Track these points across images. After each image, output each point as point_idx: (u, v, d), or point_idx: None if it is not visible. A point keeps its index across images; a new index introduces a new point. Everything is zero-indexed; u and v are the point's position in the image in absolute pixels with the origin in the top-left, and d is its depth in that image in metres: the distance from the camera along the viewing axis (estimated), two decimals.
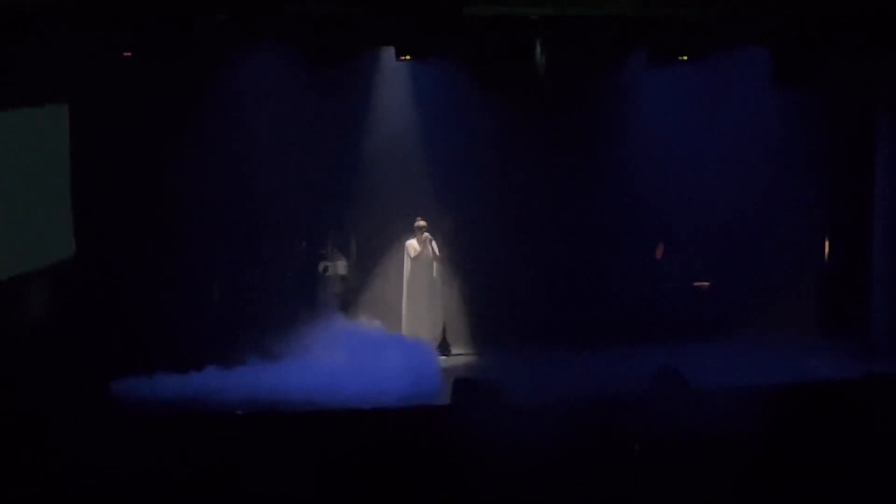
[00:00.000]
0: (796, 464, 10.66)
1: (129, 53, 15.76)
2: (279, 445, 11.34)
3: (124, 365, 15.51)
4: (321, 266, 18.32)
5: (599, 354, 17.34)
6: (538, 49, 16.65)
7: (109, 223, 16.79)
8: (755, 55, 17.74)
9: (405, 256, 18.17)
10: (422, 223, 18.04)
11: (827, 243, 19.72)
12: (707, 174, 19.10)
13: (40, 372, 14.17)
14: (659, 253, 19.45)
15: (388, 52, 17.02)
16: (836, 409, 12.07)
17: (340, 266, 18.41)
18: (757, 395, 12.75)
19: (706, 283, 19.33)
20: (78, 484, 10.38)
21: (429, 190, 18.39)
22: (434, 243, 18.05)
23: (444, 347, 18.18)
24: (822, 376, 14.95)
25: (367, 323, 17.70)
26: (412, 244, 18.09)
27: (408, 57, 16.45)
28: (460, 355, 18.23)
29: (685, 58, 17.17)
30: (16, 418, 11.45)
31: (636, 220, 19.34)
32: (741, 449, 10.69)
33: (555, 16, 16.33)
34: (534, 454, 10.46)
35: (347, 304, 18.18)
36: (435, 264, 18.17)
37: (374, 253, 18.71)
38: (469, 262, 18.73)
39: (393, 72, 18.12)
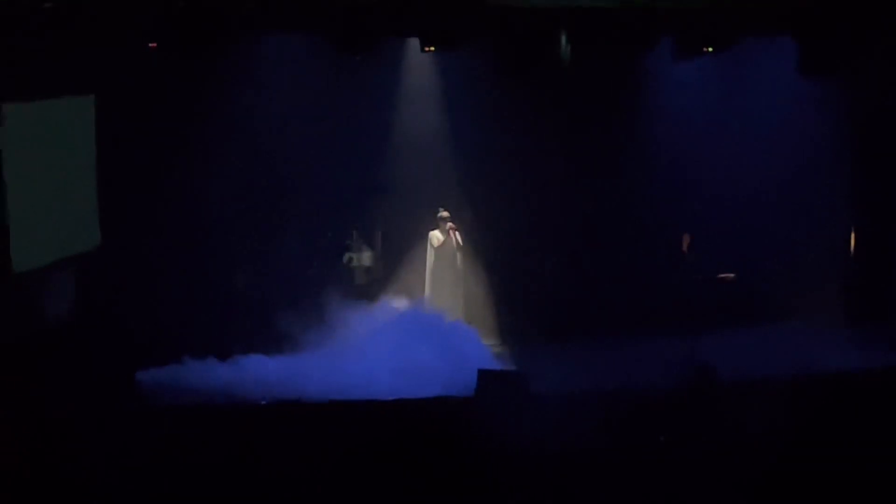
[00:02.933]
0: (824, 454, 10.66)
1: (155, 45, 15.73)
2: (302, 435, 11.44)
3: (149, 355, 15.59)
4: (346, 257, 18.37)
5: (625, 346, 17.15)
6: (563, 40, 16.60)
7: (135, 213, 16.86)
8: (781, 46, 17.73)
9: (428, 247, 18.19)
10: (445, 214, 18.07)
11: (853, 234, 19.64)
12: (733, 165, 19.11)
13: (66, 362, 14.17)
14: (685, 244, 19.37)
15: (413, 43, 17.12)
16: (864, 400, 12.06)
17: (365, 257, 18.46)
18: (784, 385, 12.78)
19: (732, 275, 19.25)
20: (104, 471, 10.63)
21: (452, 180, 18.45)
22: (457, 233, 18.04)
23: None
24: (849, 367, 14.88)
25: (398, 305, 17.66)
26: (436, 234, 18.10)
27: (432, 48, 16.55)
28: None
29: (710, 49, 17.06)
30: (42, 408, 11.77)
31: (662, 211, 19.30)
32: (768, 439, 10.70)
33: (579, 6, 16.28)
34: (558, 445, 10.75)
35: (372, 294, 18.14)
36: (458, 254, 18.16)
37: (399, 243, 18.73)
38: (492, 253, 18.68)
39: (418, 63, 18.16)
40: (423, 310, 17.40)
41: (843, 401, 12.20)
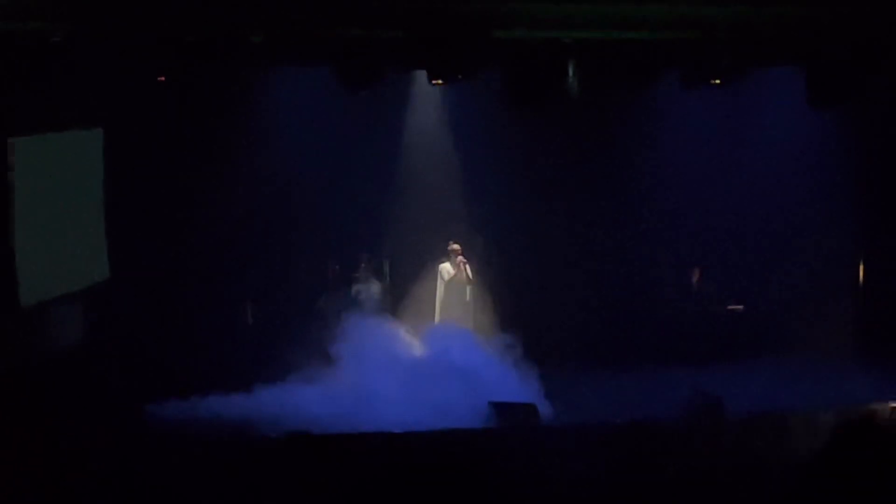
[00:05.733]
0: (834, 489, 10.54)
1: (163, 78, 15.59)
2: (312, 468, 11.33)
3: (158, 388, 15.49)
4: (355, 290, 18.28)
5: (635, 377, 17.31)
6: (570, 72, 16.57)
7: (143, 246, 16.94)
8: (788, 77, 17.54)
9: (438, 279, 18.10)
10: (455, 246, 17.98)
11: (862, 265, 19.60)
12: (741, 197, 19.20)
13: (75, 396, 14.07)
14: (695, 277, 19.38)
15: (421, 76, 17.06)
16: (874, 433, 11.95)
17: (374, 290, 18.36)
18: (793, 418, 12.67)
19: (740, 307, 19.22)
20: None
21: (462, 213, 18.46)
22: (468, 266, 17.96)
23: None
24: (860, 399, 14.79)
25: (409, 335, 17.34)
26: (446, 267, 18.03)
27: (440, 80, 16.39)
28: None
29: (718, 81, 16.98)
30: (51, 443, 11.61)
31: (670, 243, 19.36)
32: (777, 474, 10.60)
33: (587, 38, 16.27)
34: (567, 477, 10.58)
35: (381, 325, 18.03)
36: (468, 288, 18.07)
37: (408, 276, 18.69)
38: (502, 286, 18.53)
39: (426, 95, 18.29)
40: (438, 337, 17.16)
41: (852, 435, 12.08)
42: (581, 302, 18.91)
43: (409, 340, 16.99)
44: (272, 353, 16.63)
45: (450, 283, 17.99)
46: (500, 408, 14.24)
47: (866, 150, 19.09)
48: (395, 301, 18.55)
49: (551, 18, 15.41)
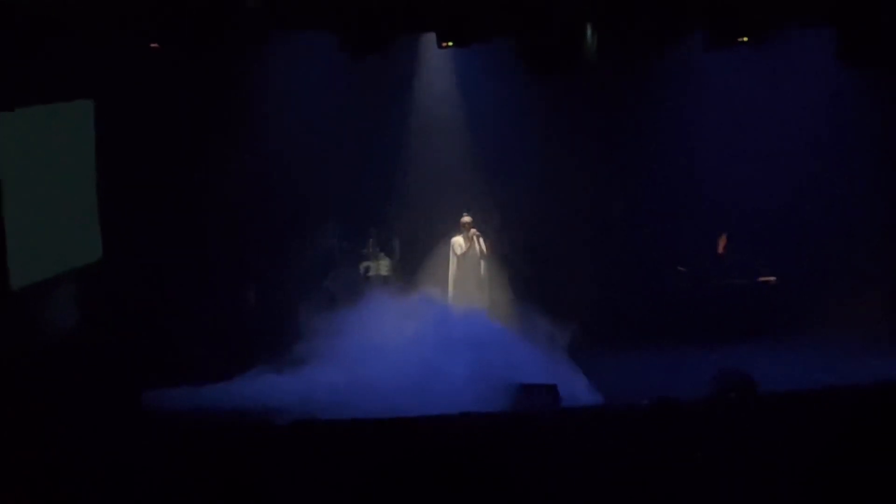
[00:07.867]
0: (866, 469, 10.13)
1: (157, 45, 15.53)
2: (318, 455, 11.18)
3: (156, 372, 15.29)
4: (363, 266, 18.17)
5: (659, 355, 17.04)
6: (589, 32, 16.14)
7: (138, 224, 16.81)
8: (818, 35, 17.25)
9: (451, 254, 17.88)
10: (468, 219, 17.77)
11: None
12: (770, 163, 18.73)
13: (68, 381, 13.87)
14: (721, 246, 19.04)
15: (430, 39, 16.85)
16: None
17: (383, 266, 18.30)
18: (826, 397, 12.33)
19: (772, 278, 18.67)
20: (108, 494, 10.25)
21: (475, 184, 18.25)
22: (481, 240, 17.76)
23: None
24: (892, 377, 14.30)
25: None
26: (458, 241, 17.81)
27: (450, 43, 16.26)
28: None
29: (745, 39, 16.57)
30: (45, 429, 11.39)
31: (696, 212, 19.05)
32: (809, 454, 10.19)
33: None
34: (590, 459, 10.32)
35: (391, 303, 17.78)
36: (482, 262, 17.86)
37: (419, 251, 18.49)
38: (518, 260, 18.33)
39: (435, 59, 18.13)
40: (454, 315, 16.84)
41: (886, 413, 11.65)
42: (602, 276, 18.63)
43: (420, 319, 16.53)
44: (277, 335, 16.49)
45: (463, 257, 17.79)
46: (521, 389, 14.03)
47: None
48: (406, 277, 18.27)
49: None
